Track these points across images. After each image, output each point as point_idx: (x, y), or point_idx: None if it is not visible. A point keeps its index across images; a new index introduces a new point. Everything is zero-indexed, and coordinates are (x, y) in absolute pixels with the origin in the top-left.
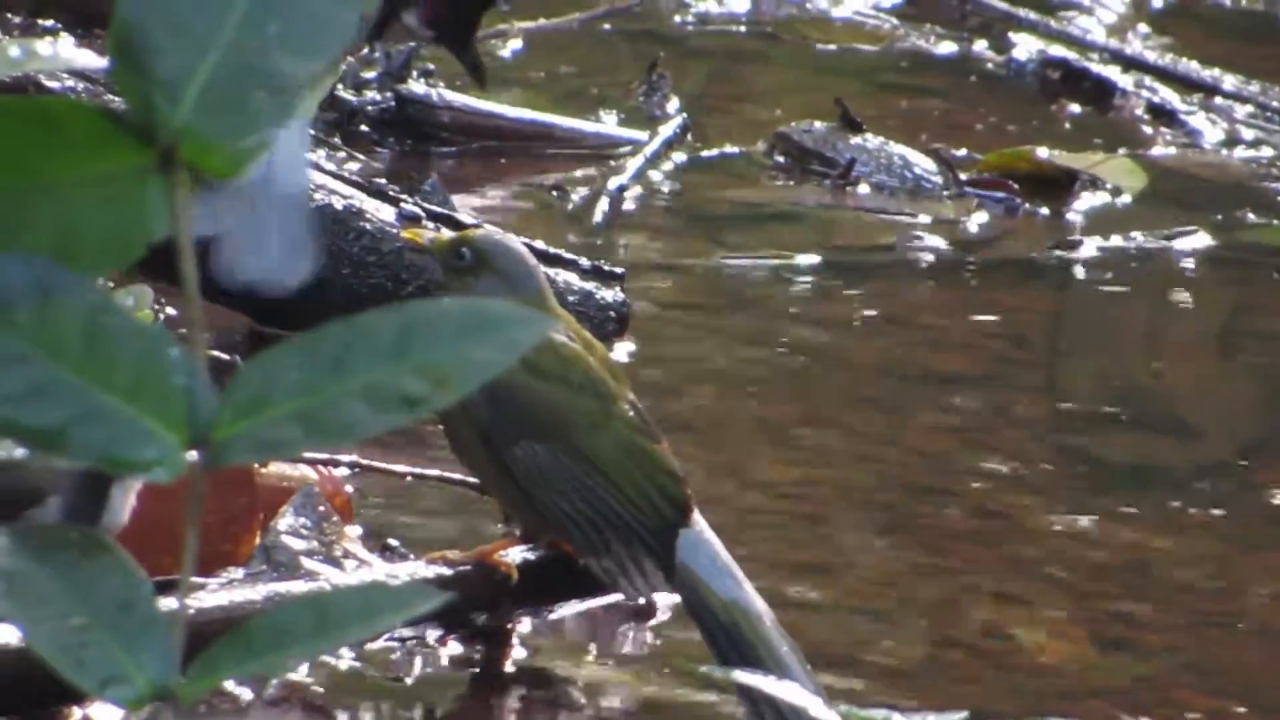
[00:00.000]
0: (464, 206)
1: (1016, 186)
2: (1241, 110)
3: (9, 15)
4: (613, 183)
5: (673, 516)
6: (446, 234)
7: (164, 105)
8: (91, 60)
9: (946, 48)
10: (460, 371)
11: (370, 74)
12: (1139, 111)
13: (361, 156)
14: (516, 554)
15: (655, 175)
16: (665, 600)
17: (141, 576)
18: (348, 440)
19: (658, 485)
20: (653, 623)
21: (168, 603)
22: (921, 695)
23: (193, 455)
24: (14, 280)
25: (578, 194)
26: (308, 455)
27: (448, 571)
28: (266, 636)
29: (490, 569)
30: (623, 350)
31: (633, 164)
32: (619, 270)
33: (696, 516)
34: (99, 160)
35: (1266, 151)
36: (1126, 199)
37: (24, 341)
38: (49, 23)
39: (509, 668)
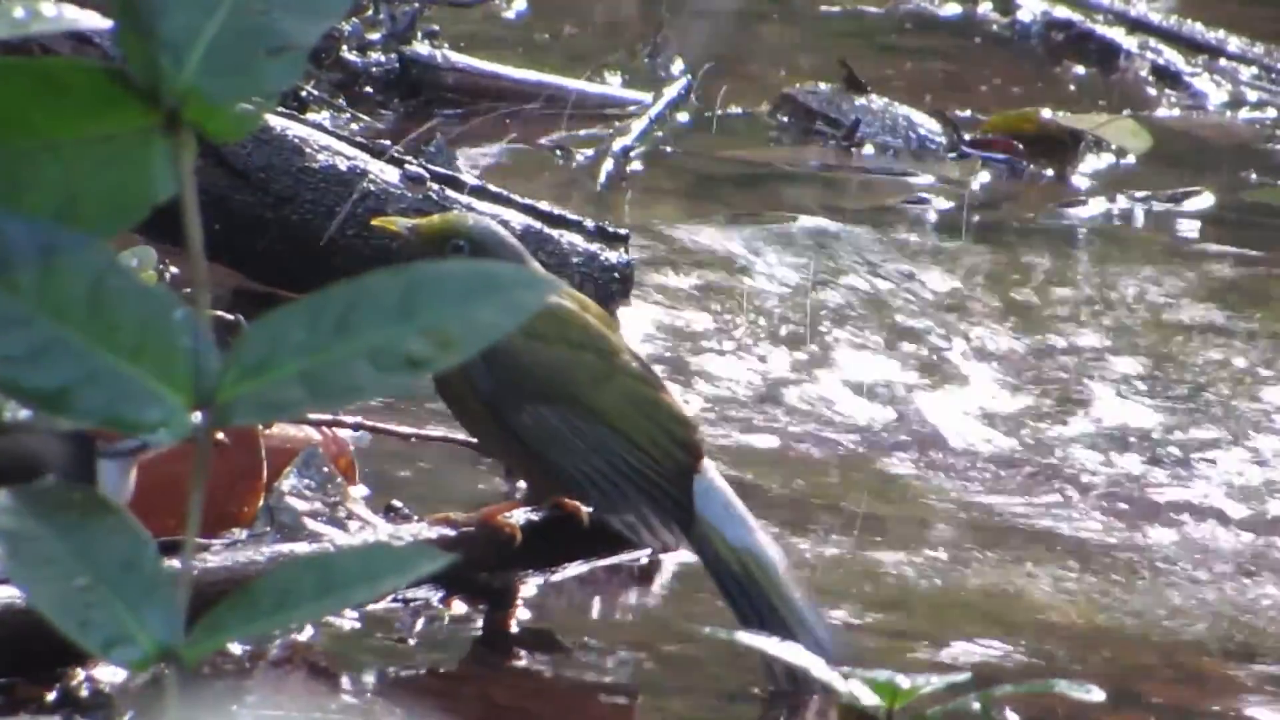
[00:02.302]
0: (468, 167)
1: (1021, 147)
2: (1246, 72)
3: None
4: (617, 144)
5: (686, 462)
6: (423, 221)
7: (168, 67)
8: (96, 21)
9: (951, 9)
10: (465, 333)
11: (375, 35)
12: (1143, 73)
13: (366, 117)
14: (520, 515)
15: (660, 136)
16: (669, 561)
17: (146, 537)
18: (352, 401)
19: (668, 431)
20: (656, 584)
21: (172, 564)
22: (925, 655)
23: (197, 416)
24: (17, 241)
25: (582, 155)
26: (312, 416)
27: (451, 533)
28: (270, 598)
29: (495, 530)
30: (626, 311)
31: (637, 125)
32: (623, 231)
33: (707, 463)
34: (103, 121)
35: (1270, 113)
36: (1131, 160)
37: (27, 303)
38: None
39: (513, 628)
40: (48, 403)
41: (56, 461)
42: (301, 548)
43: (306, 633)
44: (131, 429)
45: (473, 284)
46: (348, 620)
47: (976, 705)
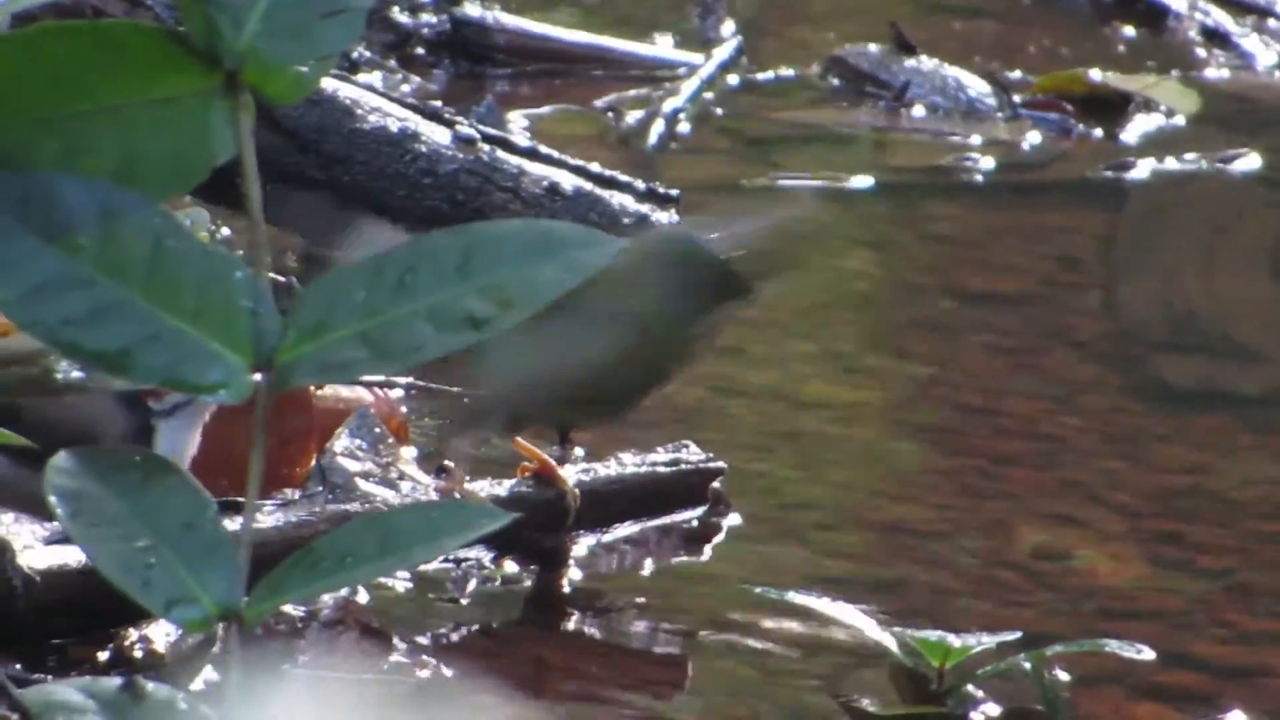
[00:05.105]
0: (518, 129)
1: (1070, 108)
2: None
3: None
4: (668, 105)
5: None
6: None
7: (228, 29)
8: None
9: None
10: (524, 292)
11: None
12: (1192, 34)
13: (417, 78)
14: (571, 474)
15: (710, 98)
16: (725, 522)
17: (206, 498)
18: (413, 361)
19: None
20: (708, 545)
21: (230, 524)
22: (974, 616)
23: (258, 377)
24: (78, 204)
25: (632, 116)
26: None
27: (503, 493)
28: (331, 558)
29: (556, 484)
30: None
31: (688, 86)
32: (674, 192)
33: None
34: (162, 84)
35: None
36: (1179, 121)
37: (88, 264)
38: None
39: (564, 589)
40: (109, 364)
41: (113, 426)
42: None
43: (358, 593)
44: (193, 390)
45: (532, 243)
46: (400, 581)
47: (1027, 665)
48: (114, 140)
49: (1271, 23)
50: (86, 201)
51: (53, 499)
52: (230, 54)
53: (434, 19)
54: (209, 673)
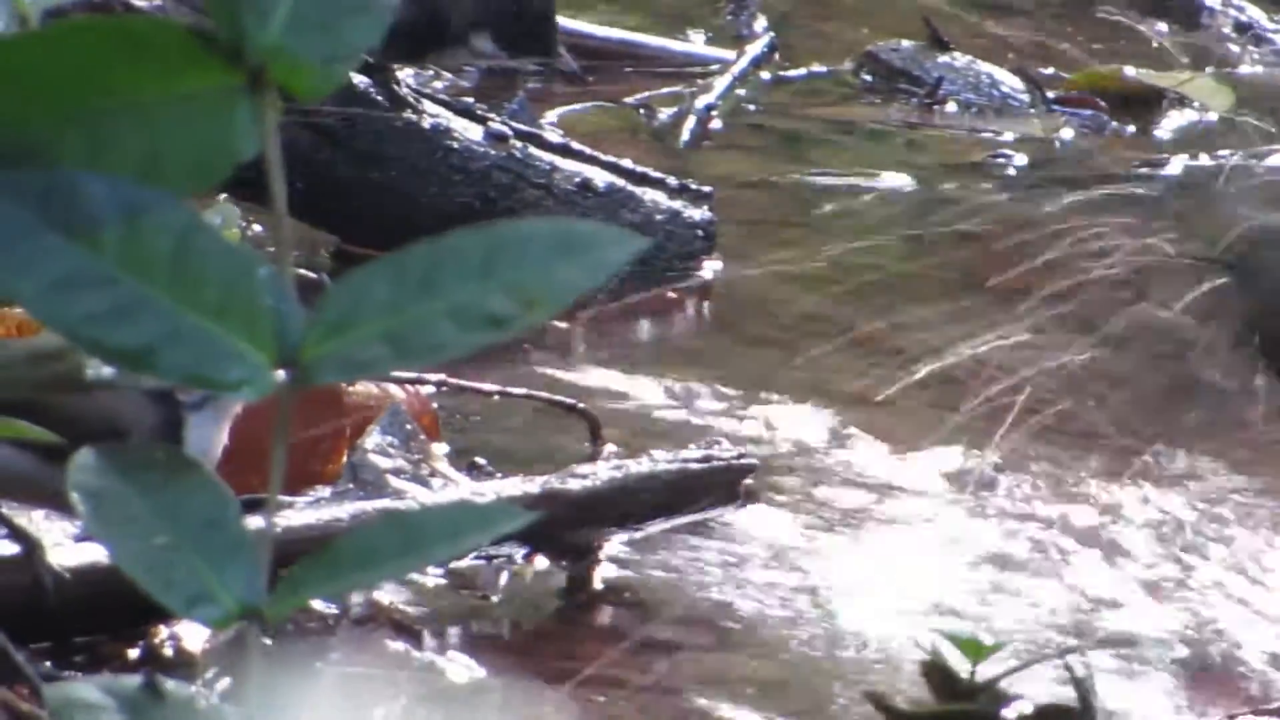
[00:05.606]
0: (550, 125)
1: (1104, 104)
2: None
3: None
4: (700, 101)
5: None
6: None
7: (253, 25)
8: None
9: None
10: (547, 291)
11: None
12: (1226, 30)
13: (448, 75)
14: (603, 470)
15: (742, 94)
16: (751, 519)
17: (229, 495)
18: (436, 360)
19: None
20: (739, 541)
21: (255, 522)
22: (1009, 613)
23: (281, 375)
24: (101, 200)
25: (665, 113)
26: (395, 373)
27: (534, 489)
28: (352, 556)
29: None
30: (710, 268)
31: (720, 83)
32: (707, 189)
33: None
34: (186, 80)
35: None
36: (1213, 117)
37: (111, 261)
38: None
39: (596, 585)
40: (132, 361)
41: (142, 421)
42: (384, 505)
43: (389, 589)
44: (215, 387)
45: (556, 243)
46: (431, 577)
47: (1061, 661)
48: (138, 137)
49: None
50: (109, 198)
51: (75, 497)
52: (255, 50)
53: None
54: (238, 671)
